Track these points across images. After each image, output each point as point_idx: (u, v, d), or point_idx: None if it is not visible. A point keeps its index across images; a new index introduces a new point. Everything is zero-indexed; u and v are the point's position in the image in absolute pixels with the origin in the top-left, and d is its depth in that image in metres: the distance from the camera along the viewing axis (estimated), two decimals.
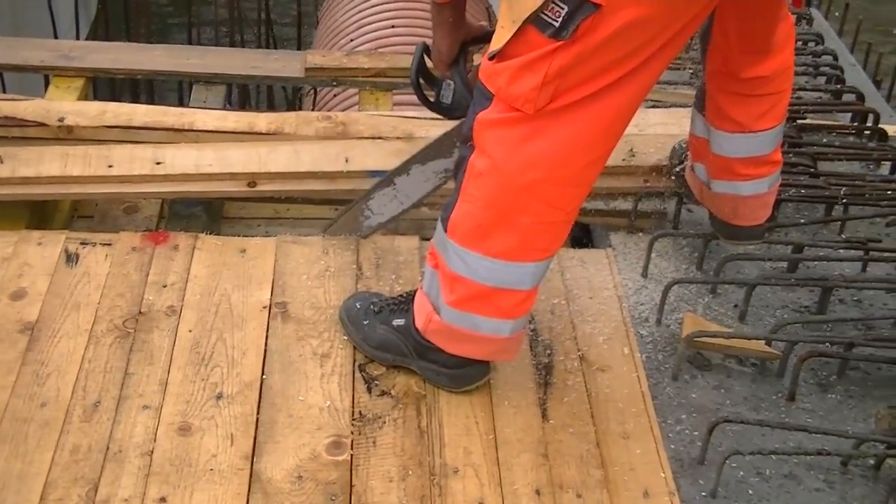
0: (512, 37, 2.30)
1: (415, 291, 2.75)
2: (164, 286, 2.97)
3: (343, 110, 4.27)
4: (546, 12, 2.25)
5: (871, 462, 2.69)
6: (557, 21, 2.23)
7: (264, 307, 2.93)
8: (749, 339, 2.91)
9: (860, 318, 3.07)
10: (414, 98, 4.11)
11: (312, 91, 4.77)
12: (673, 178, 3.36)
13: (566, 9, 2.22)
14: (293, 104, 5.14)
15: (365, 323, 2.80)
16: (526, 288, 2.54)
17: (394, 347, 2.75)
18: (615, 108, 2.35)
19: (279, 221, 3.77)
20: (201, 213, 3.39)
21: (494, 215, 2.45)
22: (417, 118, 3.51)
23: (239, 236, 3.32)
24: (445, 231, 2.53)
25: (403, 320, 2.74)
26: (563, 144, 2.36)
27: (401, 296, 2.83)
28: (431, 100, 2.85)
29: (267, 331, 2.86)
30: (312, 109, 4.67)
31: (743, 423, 2.69)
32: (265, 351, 2.80)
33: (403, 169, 3.03)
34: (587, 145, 2.38)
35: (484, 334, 2.60)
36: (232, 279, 3.01)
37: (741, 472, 2.65)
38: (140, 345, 2.78)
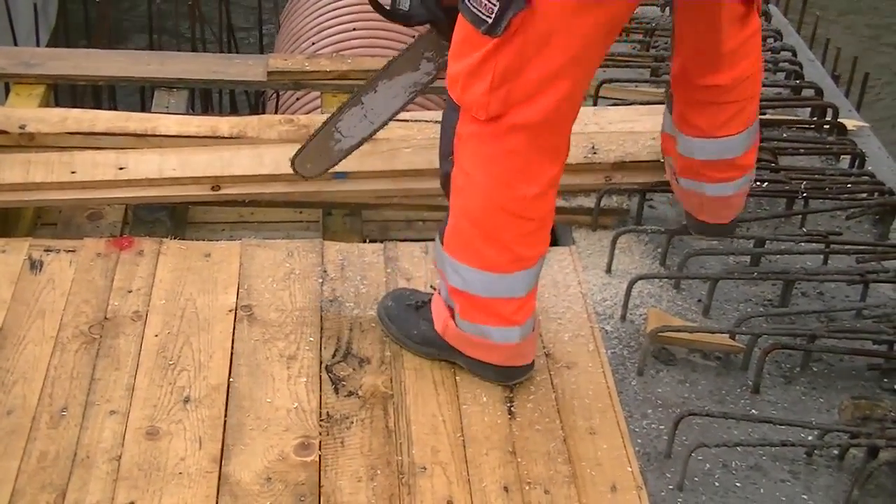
0: (457, 25, 2.36)
1: None
2: (130, 291, 2.96)
3: (306, 114, 4.27)
4: (475, 5, 2.28)
5: (836, 452, 2.72)
6: (490, 17, 2.26)
7: (230, 310, 2.93)
8: (713, 333, 2.93)
9: (822, 310, 3.10)
10: None
11: (275, 95, 4.76)
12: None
13: (498, 5, 2.25)
14: (255, 108, 5.14)
15: (405, 320, 2.82)
16: (521, 295, 2.60)
17: (438, 343, 2.77)
18: (568, 111, 2.40)
19: (243, 226, 3.78)
20: (165, 218, 3.39)
21: (479, 231, 2.51)
22: None
23: (203, 241, 3.33)
24: (442, 244, 2.59)
25: None
26: (530, 159, 2.40)
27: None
28: (387, 8, 2.77)
29: (233, 334, 2.86)
30: (275, 113, 4.66)
31: (708, 415, 2.71)
32: (231, 354, 2.80)
33: (370, 86, 2.93)
34: (553, 155, 2.43)
35: (495, 342, 2.65)
36: (197, 283, 3.01)
37: (707, 465, 2.67)
38: (106, 350, 2.78)
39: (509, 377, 2.77)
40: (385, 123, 2.95)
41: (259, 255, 3.13)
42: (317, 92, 4.21)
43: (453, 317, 2.67)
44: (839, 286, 3.24)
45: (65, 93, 4.69)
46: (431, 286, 2.93)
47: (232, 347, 2.82)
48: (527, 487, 2.54)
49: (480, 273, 2.54)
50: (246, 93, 5.09)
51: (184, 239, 3.33)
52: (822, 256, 3.29)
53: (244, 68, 4.12)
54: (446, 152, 2.50)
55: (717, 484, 2.64)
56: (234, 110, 4.98)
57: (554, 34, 2.27)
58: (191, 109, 4.21)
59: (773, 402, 2.88)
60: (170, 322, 2.88)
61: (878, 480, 2.65)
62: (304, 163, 3.13)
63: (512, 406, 2.74)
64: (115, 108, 4.58)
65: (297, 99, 4.43)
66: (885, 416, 2.73)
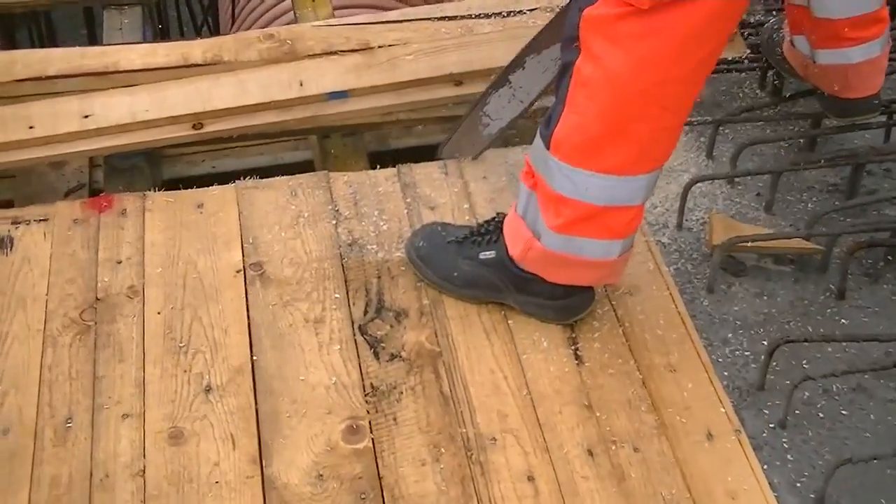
0: None
1: (498, 218, 2.46)
2: (119, 262, 2.57)
3: (272, 18, 3.82)
4: None
5: None
6: None
7: (238, 271, 2.55)
8: (790, 238, 2.59)
9: None
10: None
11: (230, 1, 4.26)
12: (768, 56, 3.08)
13: None
14: (206, 17, 4.64)
15: (443, 260, 2.49)
16: (638, 203, 2.25)
17: (484, 283, 2.45)
18: None
19: (224, 153, 3.38)
20: (143, 163, 2.98)
21: (608, 127, 2.14)
22: (371, 24, 3.10)
23: (182, 177, 2.94)
24: (548, 148, 2.22)
25: (493, 252, 2.43)
26: (679, 39, 2.04)
27: (481, 225, 2.51)
28: None
29: (247, 300, 2.49)
30: (232, 23, 4.19)
31: (807, 341, 2.39)
32: (249, 325, 2.43)
33: (517, 63, 2.65)
34: (704, 36, 2.06)
35: (591, 258, 2.31)
36: (194, 242, 2.62)
37: (806, 394, 2.37)
38: (105, 339, 2.40)
39: (570, 313, 2.44)
40: (535, 100, 2.67)
41: (258, 198, 2.74)
42: None
43: (538, 236, 2.32)
44: None
45: None
46: (497, 215, 2.54)
47: (248, 317, 2.45)
48: (613, 447, 2.22)
49: (601, 177, 2.19)
50: (199, 2, 4.59)
51: (162, 179, 2.94)
52: (883, 130, 2.94)
53: None
54: (571, 38, 2.12)
55: (821, 415, 2.34)
56: (194, 22, 4.49)
57: None
58: (147, 29, 3.73)
59: (862, 307, 2.57)
60: (172, 294, 2.50)
61: None
62: (451, 153, 2.83)
63: (577, 349, 2.40)
64: (56, 42, 4.07)
65: (262, 2, 3.95)
66: None
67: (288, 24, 3.71)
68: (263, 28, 3.54)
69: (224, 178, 3.29)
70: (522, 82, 2.63)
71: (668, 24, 2.03)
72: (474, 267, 2.46)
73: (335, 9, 3.48)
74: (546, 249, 2.33)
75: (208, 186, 2.82)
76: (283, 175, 2.86)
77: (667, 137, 2.22)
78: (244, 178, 2.80)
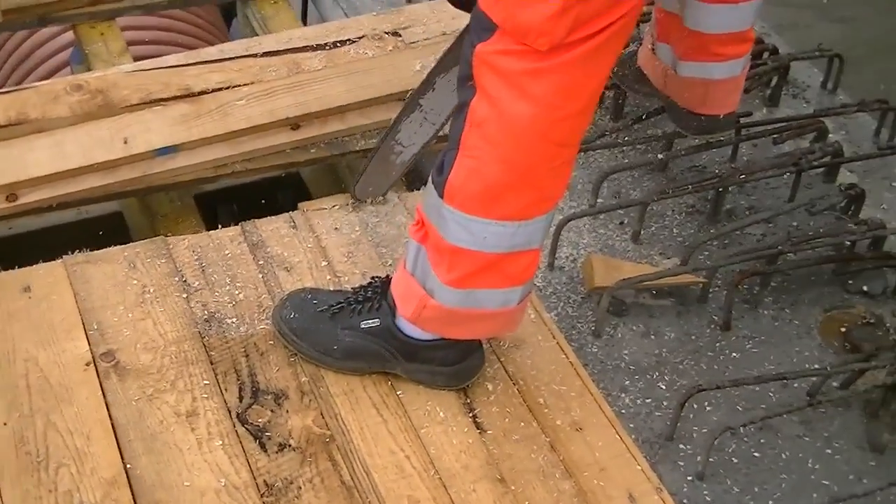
0: None
1: (376, 283, 2.28)
2: None
3: (46, 56, 3.48)
4: None
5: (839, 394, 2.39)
6: None
7: (87, 364, 2.25)
8: (678, 275, 2.51)
9: (764, 217, 2.72)
10: (148, 20, 3.44)
11: None
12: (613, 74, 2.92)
13: None
14: None
15: (319, 332, 2.27)
16: (537, 246, 2.11)
17: (369, 354, 2.25)
18: (630, 25, 1.94)
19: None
20: None
21: (507, 172, 1.98)
22: (189, 65, 2.82)
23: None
24: (441, 196, 2.03)
25: (377, 320, 2.24)
26: (575, 75, 1.91)
27: (358, 291, 2.30)
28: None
29: (105, 397, 2.20)
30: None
31: (718, 388, 2.31)
32: (114, 427, 2.15)
33: (427, 85, 2.48)
34: (598, 66, 1.95)
35: (491, 310, 2.15)
36: (29, 334, 2.30)
37: (715, 440, 2.29)
38: None
39: (463, 378, 2.29)
40: (447, 121, 2.48)
41: (93, 275, 2.44)
42: (59, 26, 3.43)
43: (431, 293, 2.14)
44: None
45: None
46: (373, 278, 2.35)
47: (110, 417, 2.17)
48: None
49: (501, 225, 2.03)
50: None
51: None
52: (731, 147, 2.91)
53: None
54: (466, 75, 1.98)
55: (734, 460, 2.28)
56: None
57: None
58: None
59: (748, 337, 2.53)
60: (15, 399, 2.18)
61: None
62: (365, 188, 2.63)
63: (475, 415, 2.25)
64: None
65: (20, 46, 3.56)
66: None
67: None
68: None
69: (26, 240, 2.98)
70: (433, 104, 2.49)
71: (564, 62, 1.91)
72: (356, 337, 2.26)
73: (123, 29, 3.19)
74: (442, 306, 2.15)
75: (7, 252, 2.52)
76: (90, 231, 2.58)
77: (564, 173, 2.10)
78: (48, 240, 2.53)
